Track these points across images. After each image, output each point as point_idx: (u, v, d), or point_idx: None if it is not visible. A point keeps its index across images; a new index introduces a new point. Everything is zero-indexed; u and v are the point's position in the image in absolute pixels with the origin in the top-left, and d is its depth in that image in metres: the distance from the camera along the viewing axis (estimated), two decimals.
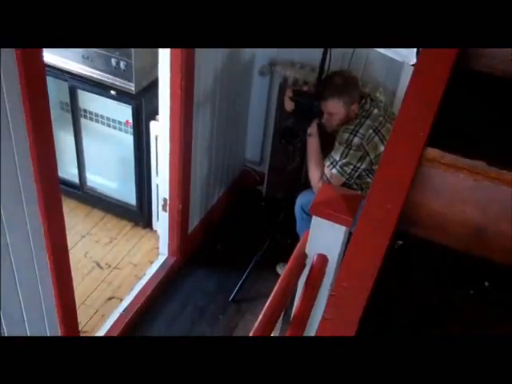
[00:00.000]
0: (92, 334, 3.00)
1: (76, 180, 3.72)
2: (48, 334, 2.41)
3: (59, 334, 2.46)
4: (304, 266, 2.01)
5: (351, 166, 2.80)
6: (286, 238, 3.26)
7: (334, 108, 2.83)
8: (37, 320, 2.30)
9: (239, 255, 3.56)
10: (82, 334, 2.85)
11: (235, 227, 3.82)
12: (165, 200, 3.30)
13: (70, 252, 2.39)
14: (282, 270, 2.41)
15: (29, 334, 2.27)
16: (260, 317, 1.79)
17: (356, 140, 2.78)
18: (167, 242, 3.46)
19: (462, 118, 1.00)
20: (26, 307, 2.19)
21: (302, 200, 3.06)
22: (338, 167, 2.80)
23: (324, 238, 1.90)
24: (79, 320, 2.70)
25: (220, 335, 3.10)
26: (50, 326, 2.39)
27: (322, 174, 2.87)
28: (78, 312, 2.60)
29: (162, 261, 3.48)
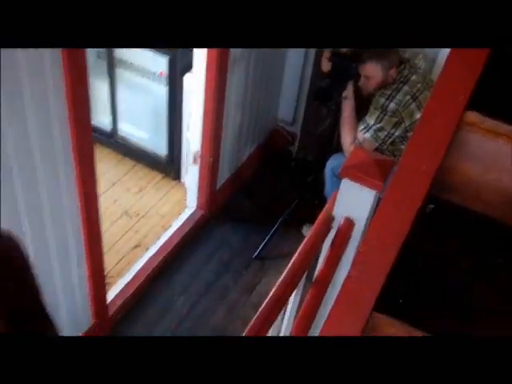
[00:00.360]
0: (117, 280, 3.07)
1: (108, 128, 3.75)
2: (76, 280, 2.47)
3: (86, 280, 2.53)
4: (330, 228, 2.01)
5: (385, 132, 2.76)
6: (314, 200, 3.26)
7: (372, 71, 2.78)
8: (65, 264, 2.35)
9: (266, 214, 3.58)
10: (107, 280, 2.91)
11: (264, 186, 3.83)
12: (196, 153, 3.31)
13: (100, 199, 2.42)
14: (308, 232, 2.42)
15: (57, 280, 2.32)
16: (283, 274, 1.80)
17: (392, 105, 2.74)
18: (195, 195, 3.49)
19: (504, 85, 0.98)
20: (57, 253, 2.25)
21: (332, 163, 3.04)
22: (371, 132, 2.77)
23: (352, 201, 1.89)
24: (106, 266, 2.75)
25: (243, 290, 3.14)
26: (78, 271, 2.46)
27: (355, 138, 2.84)
28: (104, 258, 2.65)
29: (189, 213, 3.51)
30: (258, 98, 3.57)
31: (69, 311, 2.49)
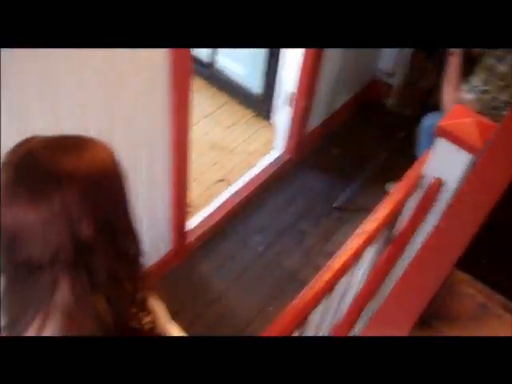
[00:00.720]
0: (198, 211, 3.15)
1: (207, 60, 3.78)
2: (159, 204, 2.55)
3: (169, 206, 2.60)
4: (416, 187, 1.97)
5: (490, 95, 2.62)
6: (403, 157, 3.18)
7: None
8: (151, 188, 2.43)
9: (352, 165, 3.54)
10: (189, 209, 2.99)
11: (354, 136, 3.76)
12: (290, 94, 3.28)
13: (191, 129, 2.46)
14: (391, 188, 2.37)
15: (142, 202, 2.40)
16: (362, 225, 1.79)
17: (501, 68, 2.58)
18: (284, 137, 3.48)
19: None
20: (145, 175, 2.32)
21: (429, 121, 2.93)
22: (475, 93, 2.63)
23: (446, 162, 1.83)
24: (189, 194, 2.82)
25: (320, 237, 3.15)
26: (162, 196, 2.54)
27: (457, 97, 2.71)
28: (188, 187, 2.72)
29: (276, 155, 3.52)
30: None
31: (150, 235, 2.59)
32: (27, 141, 0.90)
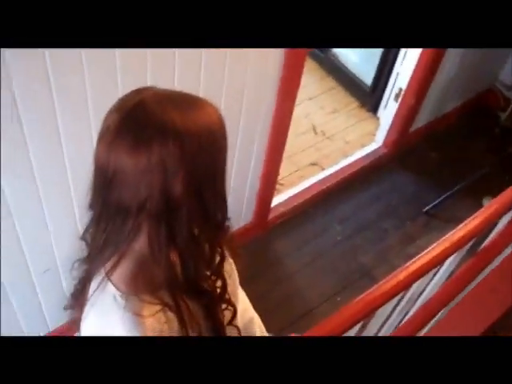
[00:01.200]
0: (287, 189, 3.16)
1: None
2: (249, 175, 2.58)
3: (259, 178, 2.63)
4: None
5: None
6: (506, 173, 3.05)
7: None
8: (245, 157, 2.46)
9: (449, 172, 3.42)
10: (278, 186, 3.00)
11: (457, 143, 3.63)
12: (400, 89, 3.21)
13: (294, 107, 2.47)
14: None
15: (234, 170, 2.44)
16: (450, 233, 1.74)
17: None
18: (386, 132, 3.42)
19: None
20: (240, 144, 2.36)
21: None
22: None
23: None
24: (280, 172, 2.83)
25: (401, 239, 3.09)
26: (254, 168, 2.57)
27: None
28: (281, 164, 2.74)
29: (373, 148, 3.47)
30: (482, 50, 3.31)
31: (234, 203, 2.64)
32: (142, 90, 0.92)
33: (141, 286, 0.95)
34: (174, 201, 0.89)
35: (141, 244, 0.95)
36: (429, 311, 1.78)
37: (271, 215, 3.00)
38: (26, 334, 2.22)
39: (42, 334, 2.26)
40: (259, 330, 1.43)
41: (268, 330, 1.51)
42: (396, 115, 3.31)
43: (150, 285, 0.95)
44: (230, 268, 1.19)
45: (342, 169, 3.33)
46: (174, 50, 1.74)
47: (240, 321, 1.32)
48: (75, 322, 1.04)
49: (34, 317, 2.17)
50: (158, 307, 0.94)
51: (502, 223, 1.94)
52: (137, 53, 1.65)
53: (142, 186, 0.87)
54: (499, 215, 1.84)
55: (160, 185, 0.87)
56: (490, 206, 1.82)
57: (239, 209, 2.73)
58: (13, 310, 2.05)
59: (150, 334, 0.93)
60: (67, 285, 1.09)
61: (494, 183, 2.96)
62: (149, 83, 0.97)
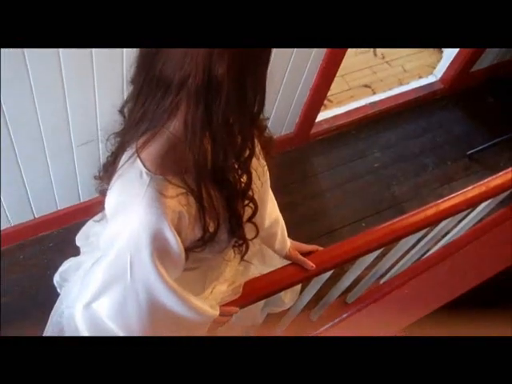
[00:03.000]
0: (335, 107, 3.12)
1: None
2: (302, 81, 2.54)
3: (309, 89, 2.60)
4: None
5: None
6: None
7: None
8: (297, 69, 2.42)
9: (502, 120, 3.32)
10: (326, 102, 2.97)
11: None
12: None
13: None
14: None
15: (284, 81, 2.40)
16: (487, 179, 1.73)
17: None
18: (446, 67, 3.30)
19: None
20: (298, 57, 2.32)
21: None
22: None
23: None
24: (331, 88, 2.78)
25: (438, 178, 3.06)
26: (304, 82, 2.52)
27: None
28: (333, 81, 2.68)
29: (430, 81, 3.38)
30: None
31: (280, 109, 2.61)
32: None
33: (168, 167, 0.97)
34: (215, 81, 0.88)
35: (175, 125, 0.95)
36: (448, 253, 1.79)
37: (314, 130, 2.98)
38: (58, 204, 2.32)
39: (72, 204, 2.36)
40: (281, 232, 1.47)
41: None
42: (460, 51, 3.18)
43: (177, 167, 0.97)
44: (262, 169, 1.20)
45: (395, 96, 3.26)
46: None
47: (267, 219, 1.35)
48: (103, 193, 1.07)
49: (68, 187, 2.26)
50: (180, 190, 0.96)
51: None
52: None
53: (186, 61, 0.86)
54: None
55: (204, 62, 0.86)
56: None
57: (284, 117, 2.72)
58: (49, 177, 2.14)
59: (169, 213, 0.95)
60: (103, 158, 1.12)
61: None
62: None
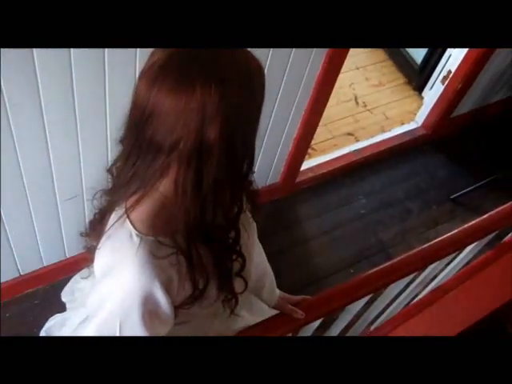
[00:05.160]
0: (319, 156, 3.16)
1: None
2: (284, 135, 2.57)
3: (293, 140, 2.63)
4: None
5: None
6: None
7: None
8: (282, 115, 2.45)
9: (484, 163, 3.37)
10: (310, 151, 3.00)
11: (499, 135, 3.54)
12: (449, 72, 3.14)
13: (338, 75, 2.43)
14: None
15: (269, 125, 2.44)
16: (473, 221, 1.74)
17: None
18: (427, 113, 3.37)
19: None
20: (280, 101, 2.35)
21: None
22: None
23: None
24: (315, 137, 2.82)
25: (424, 222, 3.07)
26: (289, 128, 2.56)
27: None
28: (316, 130, 2.72)
29: (412, 127, 3.43)
30: None
31: (265, 160, 2.65)
32: None
33: (158, 228, 0.97)
34: (206, 145, 0.89)
35: (166, 185, 0.96)
36: (437, 297, 1.78)
37: (299, 178, 3.00)
38: (43, 259, 2.29)
39: (57, 260, 2.33)
40: (269, 282, 1.46)
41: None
42: (440, 98, 3.25)
43: (167, 227, 0.97)
44: (248, 221, 1.20)
45: (378, 143, 3.30)
46: None
47: (254, 272, 1.34)
48: (90, 251, 1.07)
49: (53, 243, 2.24)
50: (171, 250, 0.96)
51: None
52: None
53: (178, 126, 0.88)
54: None
55: (196, 127, 0.87)
56: None
57: (268, 167, 2.74)
58: (34, 233, 2.12)
59: (160, 274, 0.95)
60: (89, 215, 1.12)
61: None
62: None
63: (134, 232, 0.95)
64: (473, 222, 1.78)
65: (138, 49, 1.64)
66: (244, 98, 0.91)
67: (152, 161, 0.93)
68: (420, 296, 2.14)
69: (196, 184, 0.93)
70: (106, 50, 1.61)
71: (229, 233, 1.08)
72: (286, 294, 1.55)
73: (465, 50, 2.99)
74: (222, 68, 0.88)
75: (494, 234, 1.85)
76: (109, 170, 1.06)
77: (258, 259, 1.38)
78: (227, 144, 0.91)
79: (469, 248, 1.88)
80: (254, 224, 1.26)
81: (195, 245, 0.99)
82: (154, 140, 0.91)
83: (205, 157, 0.91)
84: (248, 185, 1.11)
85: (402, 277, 1.70)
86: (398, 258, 1.67)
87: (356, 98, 3.55)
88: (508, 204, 1.81)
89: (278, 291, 1.52)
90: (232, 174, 0.98)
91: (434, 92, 3.32)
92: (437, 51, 3.35)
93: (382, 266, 1.64)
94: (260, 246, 1.41)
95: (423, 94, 3.58)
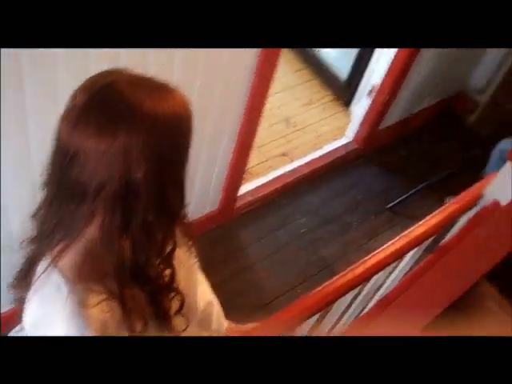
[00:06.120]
0: (255, 179, 3.16)
1: None
2: (218, 162, 2.57)
3: (227, 166, 2.62)
4: (474, 205, 1.92)
5: None
6: (471, 175, 3.09)
7: None
8: (214, 144, 2.45)
9: (416, 170, 3.46)
10: (246, 175, 3.00)
11: (426, 143, 3.67)
12: (373, 86, 3.23)
13: (267, 98, 2.45)
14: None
15: (203, 155, 2.42)
16: (410, 229, 1.77)
17: None
18: (357, 127, 3.44)
19: None
20: (211, 130, 2.34)
21: (505, 145, 2.84)
22: None
23: (509, 187, 1.77)
24: (249, 161, 2.83)
25: (364, 234, 3.12)
26: (223, 154, 2.55)
27: None
28: (250, 154, 2.73)
29: (343, 142, 3.49)
30: (455, 54, 3.35)
31: (201, 189, 2.63)
32: (113, 71, 0.90)
33: (87, 275, 0.93)
34: (133, 187, 0.87)
35: (92, 230, 0.93)
36: (384, 306, 1.80)
37: (237, 204, 3.00)
38: None
39: None
40: (216, 313, 1.43)
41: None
42: (368, 111, 3.33)
43: (97, 272, 0.94)
44: (185, 256, 1.18)
45: (311, 161, 3.34)
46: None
47: (200, 303, 1.31)
48: (21, 303, 1.02)
49: None
50: (102, 296, 0.93)
51: (461, 222, 1.97)
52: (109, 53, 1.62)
53: (102, 169, 0.85)
54: (459, 214, 1.87)
55: (121, 170, 0.85)
56: (450, 204, 1.84)
57: (205, 195, 2.72)
58: None
59: (92, 324, 0.91)
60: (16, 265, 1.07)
61: (457, 184, 2.99)
62: None
63: (62, 282, 0.92)
64: (410, 229, 1.81)
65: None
66: (170, 141, 0.90)
67: (76, 208, 0.90)
68: (367, 309, 2.16)
69: (123, 228, 0.90)
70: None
71: (163, 271, 1.04)
72: (234, 324, 1.53)
73: (387, 64, 3.07)
74: (146, 111, 0.86)
75: (431, 239, 1.89)
76: (33, 217, 1.01)
77: (201, 289, 1.35)
78: (154, 186, 0.89)
79: (409, 255, 1.91)
80: (193, 257, 1.24)
81: (128, 287, 0.95)
82: (77, 184, 0.88)
83: (132, 200, 0.88)
84: (181, 220, 1.09)
85: (348, 291, 1.71)
86: (342, 273, 1.68)
87: (287, 119, 3.58)
88: (441, 208, 1.85)
89: (226, 322, 1.50)
90: (162, 214, 0.95)
91: (361, 106, 3.40)
92: (360, 67, 3.44)
93: (327, 283, 1.65)
94: (203, 277, 1.38)
95: (351, 109, 3.65)
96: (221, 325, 1.47)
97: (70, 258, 0.94)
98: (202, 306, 1.35)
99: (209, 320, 1.42)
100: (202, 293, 1.34)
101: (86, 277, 0.93)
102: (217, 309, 1.45)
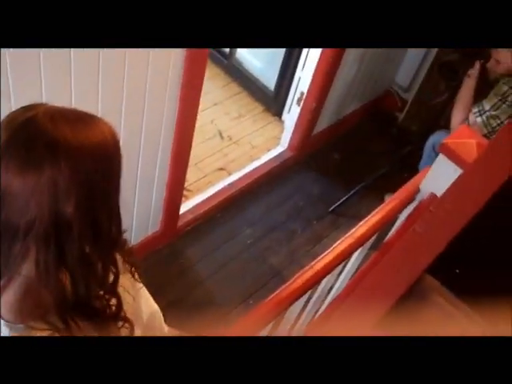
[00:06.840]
0: (195, 196, 3.15)
1: (226, 49, 3.78)
2: (156, 182, 2.54)
3: (165, 185, 2.60)
4: (412, 200, 1.97)
5: (498, 121, 2.62)
6: (406, 171, 3.18)
7: (504, 57, 2.63)
8: (149, 165, 2.42)
9: (353, 172, 3.54)
10: (185, 193, 2.99)
11: (359, 144, 3.76)
12: (302, 94, 3.28)
13: (199, 114, 2.45)
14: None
15: (139, 177, 2.40)
16: (353, 229, 1.80)
17: None
18: (290, 135, 3.48)
19: None
20: (144, 153, 2.32)
21: (435, 138, 2.94)
22: (484, 117, 2.64)
23: (443, 178, 1.82)
24: (187, 178, 2.82)
25: (309, 239, 3.15)
26: (160, 175, 2.53)
27: (466, 118, 2.72)
28: (188, 171, 2.72)
29: (278, 151, 3.52)
30: (378, 55, 3.46)
31: (140, 212, 2.59)
32: (32, 106, 0.88)
33: (28, 313, 0.91)
34: (64, 221, 0.85)
35: (28, 267, 0.89)
36: (335, 308, 1.82)
37: (180, 222, 2.97)
38: None
39: None
40: (159, 324, 1.41)
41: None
42: (299, 119, 3.38)
43: (37, 310, 0.91)
44: (129, 282, 1.15)
45: (249, 173, 3.35)
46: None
47: (143, 317, 1.29)
48: None
49: None
50: (46, 332, 0.90)
51: (401, 218, 2.03)
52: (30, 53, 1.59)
53: (30, 206, 0.83)
54: (398, 210, 1.92)
55: (50, 205, 0.83)
56: (388, 202, 1.89)
57: (146, 218, 2.69)
58: None
59: None
60: None
61: (393, 181, 3.07)
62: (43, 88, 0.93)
63: (2, 322, 0.88)
64: (352, 230, 1.85)
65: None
66: (98, 170, 0.88)
67: (9, 248, 0.87)
68: (320, 312, 2.18)
69: (60, 262, 0.88)
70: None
71: (109, 301, 1.01)
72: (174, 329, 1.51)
73: (312, 71, 3.13)
74: (69, 143, 0.84)
75: (374, 237, 1.93)
76: None
77: (144, 306, 1.33)
78: (87, 216, 0.88)
79: (355, 255, 1.95)
80: (139, 283, 1.21)
81: (73, 320, 0.92)
82: (7, 224, 0.85)
83: (64, 234, 0.86)
84: (121, 246, 1.07)
85: (300, 296, 1.72)
86: (292, 280, 1.69)
87: (220, 133, 3.59)
88: (381, 206, 1.89)
89: (166, 328, 1.48)
90: (99, 244, 0.93)
91: (292, 115, 3.45)
92: (287, 76, 3.49)
93: (278, 291, 1.66)
94: (151, 300, 1.36)
95: (283, 118, 3.70)
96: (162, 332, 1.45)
97: (7, 298, 0.90)
98: (147, 317, 1.32)
99: (152, 329, 1.40)
100: (144, 307, 1.32)
101: (27, 315, 0.90)
102: (159, 320, 1.43)
